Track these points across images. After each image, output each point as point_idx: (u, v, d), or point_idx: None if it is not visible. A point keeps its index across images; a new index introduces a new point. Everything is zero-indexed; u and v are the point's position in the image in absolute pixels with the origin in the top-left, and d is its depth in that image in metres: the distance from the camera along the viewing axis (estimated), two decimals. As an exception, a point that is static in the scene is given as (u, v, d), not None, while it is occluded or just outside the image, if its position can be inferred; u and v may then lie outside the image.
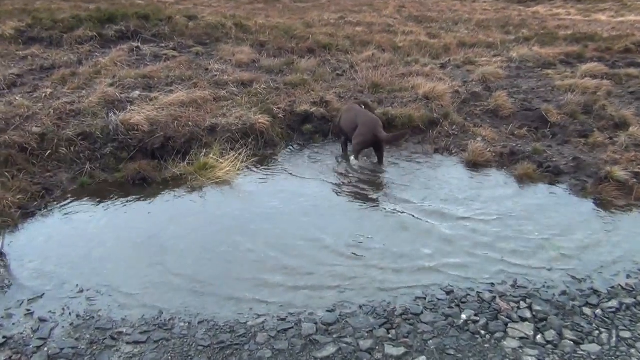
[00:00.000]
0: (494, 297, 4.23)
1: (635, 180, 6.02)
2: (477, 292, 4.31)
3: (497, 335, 3.78)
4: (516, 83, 9.89)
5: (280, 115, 7.60)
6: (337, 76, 9.99)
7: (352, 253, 4.85)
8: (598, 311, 4.06)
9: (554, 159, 6.67)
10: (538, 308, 4.09)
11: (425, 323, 3.92)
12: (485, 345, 3.67)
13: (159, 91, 7.94)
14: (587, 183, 6.13)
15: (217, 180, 6.20)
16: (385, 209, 5.71)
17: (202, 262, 4.72)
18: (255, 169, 6.64)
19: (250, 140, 7.06)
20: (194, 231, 5.25)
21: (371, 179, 6.47)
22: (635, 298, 4.23)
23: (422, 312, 4.04)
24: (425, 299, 4.23)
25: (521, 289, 4.36)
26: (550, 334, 3.77)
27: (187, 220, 5.47)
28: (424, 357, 3.54)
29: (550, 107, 8.11)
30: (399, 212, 5.61)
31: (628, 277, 4.56)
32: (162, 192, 6.02)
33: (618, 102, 8.69)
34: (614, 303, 4.15)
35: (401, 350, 3.62)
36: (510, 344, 3.68)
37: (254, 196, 5.99)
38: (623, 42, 12.84)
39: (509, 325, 3.88)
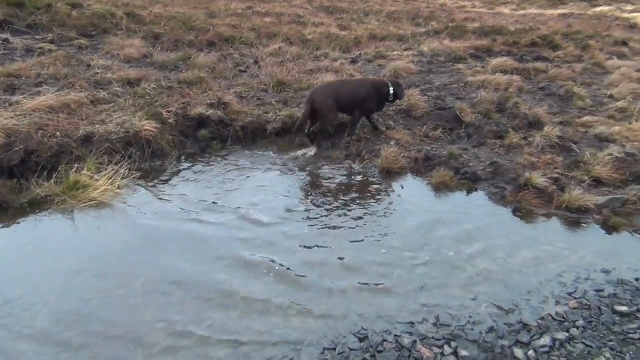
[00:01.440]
0: (415, 342, 3.60)
1: (554, 187, 5.66)
2: (395, 335, 3.67)
3: (420, 396, 3.15)
4: (429, 79, 9.47)
5: (171, 120, 6.62)
6: (239, 73, 9.09)
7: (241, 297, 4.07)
8: (530, 352, 3.54)
9: (471, 164, 6.21)
10: (465, 354, 3.51)
11: (335, 384, 3.22)
12: (407, 413, 3.03)
13: (23, 93, 6.69)
14: (507, 190, 5.71)
15: (91, 202, 5.18)
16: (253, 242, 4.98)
17: (60, 318, 3.74)
18: (139, 187, 5.65)
19: (134, 151, 6.06)
20: (53, 274, 4.23)
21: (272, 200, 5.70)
22: (567, 332, 3.76)
23: (329, 369, 3.34)
24: (334, 349, 3.53)
25: (445, 328, 3.77)
26: (481, 389, 3.20)
27: (44, 259, 4.44)
28: None
29: (464, 105, 7.70)
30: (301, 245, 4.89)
31: (557, 303, 4.10)
32: (19, 221, 4.92)
33: (530, 99, 8.45)
34: (546, 340, 3.65)
35: None
36: (436, 408, 3.06)
37: (133, 221, 5.02)
38: (529, 36, 12.87)
39: (432, 380, 3.27)
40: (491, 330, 3.76)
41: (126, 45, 9.67)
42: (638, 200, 5.48)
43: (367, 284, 4.21)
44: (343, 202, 5.52)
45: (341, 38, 12.67)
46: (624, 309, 4.01)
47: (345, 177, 6.09)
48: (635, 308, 4.03)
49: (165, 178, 5.90)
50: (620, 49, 12.91)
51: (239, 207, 5.28)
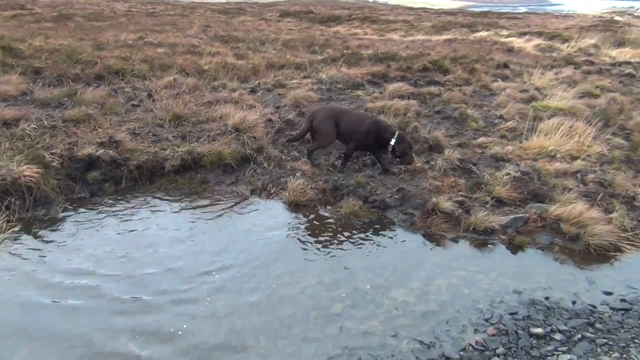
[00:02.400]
0: (339, 393, 3.37)
1: (460, 210, 5.73)
2: (318, 387, 3.41)
3: None
4: (328, 106, 9.43)
5: (55, 163, 6.00)
6: (132, 107, 8.54)
7: None
8: (456, 389, 3.43)
9: (379, 192, 6.16)
10: (391, 398, 3.32)
11: None
12: None
13: None
14: (415, 216, 5.70)
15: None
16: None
17: None
18: (19, 241, 5.01)
19: (12, 200, 5.39)
20: None
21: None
22: (489, 360, 3.70)
23: None
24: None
25: (368, 373, 3.58)
26: None
27: None
28: None
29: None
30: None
31: (475, 331, 4.05)
32: None
33: (428, 123, 8.66)
34: (470, 373, 3.56)
35: None
36: None
37: (9, 288, 4.40)
38: (421, 61, 13.36)
39: None
40: (415, 369, 3.61)
41: (1, 82, 8.79)
42: (538, 218, 5.67)
43: (290, 335, 3.93)
44: (245, 255, 5.22)
45: (238, 67, 12.44)
46: (539, 330, 4.03)
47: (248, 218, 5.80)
48: (549, 329, 4.07)
49: (50, 230, 5.28)
50: (502, 72, 13.75)
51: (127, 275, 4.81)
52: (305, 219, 5.75)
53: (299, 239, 5.33)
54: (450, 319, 4.18)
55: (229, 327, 3.96)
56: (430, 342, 3.90)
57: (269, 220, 5.65)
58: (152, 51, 13.89)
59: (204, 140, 7.04)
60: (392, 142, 6.54)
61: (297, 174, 6.52)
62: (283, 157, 6.99)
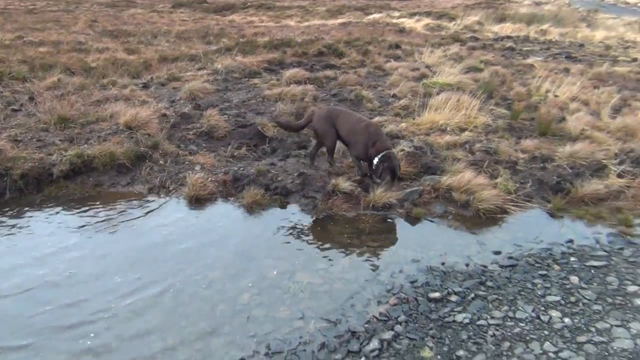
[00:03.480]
0: (249, 381, 3.39)
1: (360, 189, 5.90)
2: (227, 378, 3.40)
3: None
4: (226, 97, 9.33)
5: None
6: (12, 112, 7.96)
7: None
8: (362, 360, 3.56)
9: (280, 179, 6.19)
10: (300, 378, 3.39)
11: None
12: None
13: None
14: (317, 199, 5.79)
15: None
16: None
17: None
18: None
19: None
20: None
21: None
22: (392, 329, 3.86)
23: None
24: (162, 412, 3.15)
25: (276, 356, 3.62)
26: (321, 414, 3.09)
27: None
28: None
29: (264, 120, 7.71)
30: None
31: (379, 303, 4.21)
32: None
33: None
34: (374, 344, 3.70)
35: None
36: None
37: None
38: (315, 46, 13.50)
39: (273, 418, 3.08)
40: (322, 346, 3.70)
41: None
42: (432, 189, 5.96)
43: (197, 331, 3.88)
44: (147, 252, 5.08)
45: (129, 63, 11.93)
46: (436, 295, 4.27)
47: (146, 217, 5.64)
48: (445, 292, 4.31)
49: None
50: (394, 52, 14.22)
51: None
52: (207, 213, 5.67)
53: (202, 233, 5.25)
54: (354, 295, 4.32)
55: (134, 331, 3.84)
56: (337, 320, 4.01)
57: (168, 218, 5.52)
58: (33, 51, 12.99)
59: (94, 142, 6.71)
60: (376, 159, 5.86)
61: (196, 168, 6.40)
62: (180, 152, 6.82)
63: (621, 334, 3.77)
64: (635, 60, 15.07)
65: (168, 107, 8.32)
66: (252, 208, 5.70)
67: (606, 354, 3.57)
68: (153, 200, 5.87)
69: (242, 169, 6.43)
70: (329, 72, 11.21)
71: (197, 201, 5.83)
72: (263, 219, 5.57)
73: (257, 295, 4.30)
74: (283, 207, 5.80)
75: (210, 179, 6.11)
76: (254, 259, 4.83)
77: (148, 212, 5.62)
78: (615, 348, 3.62)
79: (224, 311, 4.10)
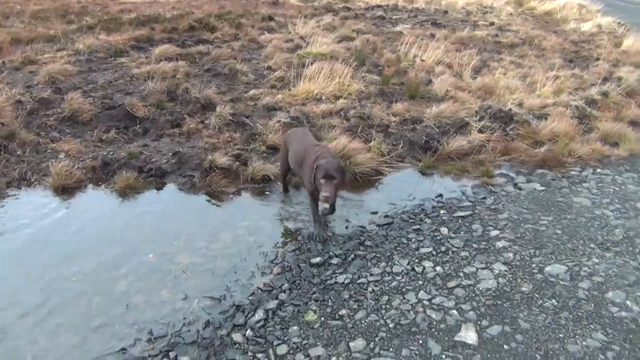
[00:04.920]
0: (130, 369, 3.26)
1: (238, 163, 5.82)
2: (107, 371, 3.25)
3: None
4: (91, 78, 8.72)
5: None
6: None
7: None
8: (248, 332, 3.56)
9: (154, 160, 5.95)
10: (185, 359, 3.32)
11: None
12: None
13: None
14: (195, 178, 5.64)
15: None
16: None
17: None
18: None
19: None
20: None
21: None
22: (277, 298, 3.90)
23: None
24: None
25: (160, 340, 3.52)
26: (208, 391, 3.06)
27: None
28: None
29: (134, 100, 7.31)
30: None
31: (263, 274, 4.23)
32: None
33: (199, 83, 8.51)
34: (260, 314, 3.72)
35: None
36: None
37: None
38: (186, 20, 12.98)
39: (157, 403, 2.99)
40: (207, 324, 3.65)
41: None
42: (309, 158, 6.02)
43: (73, 327, 3.64)
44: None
45: (-25, 47, 10.74)
46: (318, 260, 4.36)
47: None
48: (327, 256, 4.42)
49: None
50: (268, 24, 14.05)
51: None
52: (77, 202, 5.30)
53: (71, 224, 4.91)
54: (238, 269, 4.29)
55: (1, 336, 3.54)
56: (221, 296, 3.96)
57: (32, 212, 5.09)
58: None
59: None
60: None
61: (60, 156, 5.95)
62: (41, 140, 6.29)
63: (486, 275, 4.10)
64: (492, 24, 16.17)
65: (24, 92, 7.60)
66: (126, 193, 5.42)
67: (473, 295, 3.86)
68: (13, 195, 5.38)
69: (112, 153, 6.08)
70: (201, 47, 10.83)
71: (65, 191, 5.44)
72: (138, 203, 5.32)
73: (136, 281, 4.12)
74: (160, 188, 5.58)
75: (77, 166, 5.72)
76: (130, 245, 4.61)
77: (5, 207, 5.14)
78: (481, 289, 3.93)
79: (100, 303, 3.89)
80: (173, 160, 5.92)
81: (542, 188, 5.66)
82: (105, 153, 6.04)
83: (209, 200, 5.38)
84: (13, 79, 8.58)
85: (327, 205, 4.70)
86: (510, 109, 7.47)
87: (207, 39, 11.92)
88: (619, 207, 5.18)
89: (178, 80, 8.45)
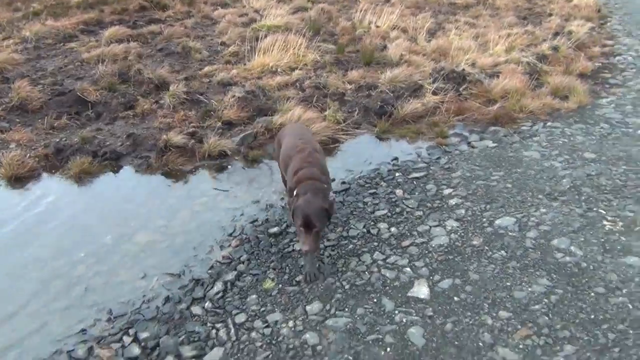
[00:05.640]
0: (91, 349, 3.29)
1: (193, 140, 5.80)
2: (68, 352, 3.28)
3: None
4: (40, 65, 8.50)
5: None
6: None
7: None
8: (207, 304, 3.61)
9: (108, 143, 5.89)
10: (145, 334, 3.38)
11: None
12: None
13: None
14: (151, 158, 5.61)
15: None
16: None
17: None
18: None
19: None
20: None
21: None
22: (235, 269, 3.95)
23: None
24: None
25: (120, 319, 3.55)
26: (169, 364, 3.12)
27: None
28: None
29: (85, 84, 7.17)
30: None
31: (221, 248, 4.27)
32: None
33: (151, 63, 8.39)
34: (218, 286, 3.77)
35: None
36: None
37: None
38: (136, 0, 12.66)
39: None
40: (167, 300, 3.69)
41: None
42: (265, 130, 6.04)
43: (31, 313, 3.64)
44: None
45: None
46: (275, 229, 4.41)
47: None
48: (284, 226, 4.47)
49: None
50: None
51: None
52: (31, 191, 5.23)
53: (26, 213, 4.85)
54: (197, 245, 4.32)
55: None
56: (180, 272, 4.00)
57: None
58: None
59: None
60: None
61: (10, 146, 5.83)
62: (-11, 131, 6.16)
63: (439, 232, 4.21)
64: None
65: (-31, 84, 7.39)
66: (81, 178, 5.37)
67: (427, 252, 3.98)
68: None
69: (64, 139, 5.99)
70: (153, 27, 10.62)
71: (18, 180, 5.36)
72: (94, 187, 5.29)
73: (94, 264, 4.13)
74: (115, 171, 5.54)
75: (28, 155, 5.63)
76: (88, 229, 4.59)
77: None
78: (433, 245, 4.04)
79: (58, 287, 3.89)
80: (128, 143, 5.87)
81: (494, 145, 5.79)
82: (57, 140, 5.95)
83: (166, 180, 5.37)
84: (-42, 71, 8.30)
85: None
86: (463, 70, 7.57)
87: (159, 18, 11.69)
88: (567, 157, 5.34)
89: (130, 61, 8.30)
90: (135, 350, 3.26)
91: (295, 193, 3.72)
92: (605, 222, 4.14)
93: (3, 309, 3.67)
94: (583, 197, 4.55)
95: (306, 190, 3.67)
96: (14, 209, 4.93)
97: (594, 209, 4.33)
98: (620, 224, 4.09)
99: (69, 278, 3.99)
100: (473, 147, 5.80)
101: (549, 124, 6.31)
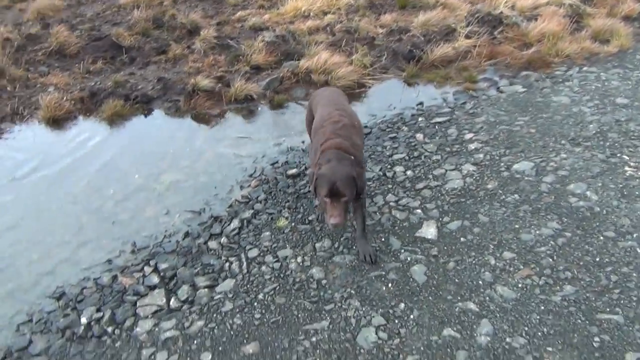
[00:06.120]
0: (115, 277, 3.54)
1: (220, 84, 5.90)
2: (94, 279, 3.54)
3: (127, 323, 3.14)
4: (79, 12, 8.73)
5: None
6: None
7: None
8: (223, 239, 3.79)
9: (140, 87, 6.07)
10: (164, 266, 3.59)
11: (37, 355, 3.01)
12: (117, 345, 3.00)
13: None
14: (180, 102, 5.77)
15: None
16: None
17: None
18: None
19: None
20: None
21: None
22: (252, 208, 4.10)
23: (30, 343, 3.09)
24: (31, 321, 3.27)
25: (142, 251, 3.78)
26: (184, 291, 3.33)
27: None
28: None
29: (120, 30, 7.36)
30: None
31: (241, 188, 4.42)
32: None
33: (185, 8, 8.45)
34: (235, 223, 3.93)
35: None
36: (143, 327, 3.10)
37: None
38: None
39: (138, 303, 3.28)
40: (186, 235, 3.89)
41: None
42: (291, 75, 6.07)
43: (63, 243, 3.93)
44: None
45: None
46: (294, 171, 4.51)
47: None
48: (303, 167, 4.57)
49: None
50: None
51: None
52: (67, 132, 5.51)
53: (62, 153, 5.13)
54: (218, 185, 4.49)
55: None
56: (201, 209, 4.18)
57: (25, 143, 5.33)
58: None
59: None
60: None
61: (49, 90, 6.11)
62: (30, 75, 6.44)
63: (454, 176, 4.22)
64: None
65: (12, 30, 7.67)
66: (114, 120, 5.61)
67: (439, 194, 4.00)
68: (7, 130, 5.60)
69: (99, 83, 6.21)
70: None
71: (55, 122, 5.64)
72: (125, 129, 5.52)
73: (122, 201, 4.37)
74: (146, 114, 5.74)
75: (65, 98, 5.88)
76: (118, 168, 4.84)
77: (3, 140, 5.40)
78: (447, 189, 4.06)
79: (89, 221, 4.15)
80: (158, 87, 6.03)
81: (524, 90, 5.64)
82: (92, 84, 6.18)
83: (193, 123, 5.53)
84: (3, 18, 8.63)
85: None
86: (500, 12, 7.29)
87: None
88: (597, 103, 5.16)
89: (165, 7, 8.40)
90: (155, 279, 3.49)
91: (317, 162, 3.23)
92: (627, 168, 4.04)
93: (40, 240, 3.97)
94: (608, 143, 4.43)
95: (330, 158, 3.16)
96: (53, 150, 5.22)
97: (618, 155, 4.22)
98: (643, 170, 3.99)
99: (98, 213, 4.25)
100: (501, 92, 5.67)
101: (584, 68, 6.07)
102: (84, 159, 5.02)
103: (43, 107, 5.67)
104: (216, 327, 3.03)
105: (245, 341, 2.91)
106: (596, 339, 2.65)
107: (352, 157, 3.22)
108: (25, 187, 4.64)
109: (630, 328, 2.68)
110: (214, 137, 5.27)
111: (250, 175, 4.58)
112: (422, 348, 2.73)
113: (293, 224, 3.87)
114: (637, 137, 4.46)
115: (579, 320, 2.76)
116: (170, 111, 5.70)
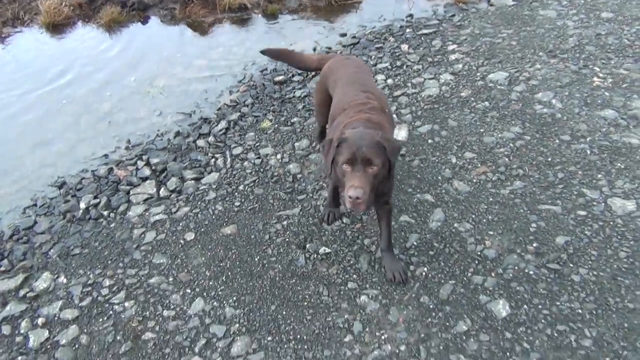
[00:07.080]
0: (111, 170, 3.88)
1: (214, -6, 6.00)
2: (92, 171, 3.89)
3: (121, 208, 3.51)
4: None
5: None
6: None
7: None
8: (211, 138, 4.08)
9: (136, -5, 6.17)
10: (156, 160, 3.91)
11: (41, 233, 3.40)
12: (111, 226, 3.38)
13: None
14: (175, 9, 5.89)
15: None
16: None
17: None
18: None
19: None
20: None
21: None
22: (239, 111, 4.36)
23: (35, 223, 3.49)
24: (35, 205, 3.65)
25: (136, 148, 4.11)
26: (173, 182, 3.67)
27: None
28: (47, 274, 3.09)
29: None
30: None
31: (230, 92, 4.68)
32: None
33: None
34: (222, 124, 4.22)
35: (19, 279, 3.08)
36: (135, 211, 3.46)
37: None
38: None
39: (131, 192, 3.63)
40: (177, 134, 4.19)
41: None
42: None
43: (64, 140, 4.26)
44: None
45: None
46: (281, 78, 4.74)
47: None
48: (290, 75, 4.78)
49: None
50: None
51: None
52: (66, 37, 5.71)
53: (61, 56, 5.36)
54: (209, 90, 4.74)
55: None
56: (191, 111, 4.47)
57: (26, 46, 5.55)
58: None
59: None
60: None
61: (46, -5, 6.23)
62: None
63: (432, 84, 4.42)
64: None
65: None
66: (111, 26, 5.78)
67: (415, 101, 4.23)
68: (7, 33, 5.80)
69: (95, -10, 6.30)
70: None
71: (55, 28, 5.82)
72: (122, 35, 5.70)
73: (118, 102, 4.66)
74: (143, 21, 5.89)
75: (64, 3, 6.01)
76: (115, 72, 5.08)
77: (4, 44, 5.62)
78: (423, 96, 4.28)
79: (87, 120, 4.47)
80: (154, -5, 6.13)
81: (514, 3, 5.69)
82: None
83: (187, 30, 5.69)
84: None
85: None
86: None
87: None
88: (582, 17, 5.24)
89: None
90: (147, 172, 3.82)
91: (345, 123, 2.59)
92: (595, 79, 4.22)
93: (43, 136, 4.31)
94: (584, 55, 4.57)
95: (355, 125, 2.50)
96: (50, 53, 5.44)
97: (590, 66, 4.39)
98: (610, 80, 4.16)
99: (96, 113, 4.55)
100: (492, 5, 5.73)
101: (580, -18, 6.06)
102: (82, 64, 5.25)
103: (43, 12, 5.82)
104: (200, 212, 3.39)
105: (224, 224, 3.27)
106: (533, 225, 2.97)
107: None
108: (23, 86, 4.92)
109: (566, 217, 3.00)
110: (207, 44, 5.45)
111: (240, 81, 4.81)
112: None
113: (276, 125, 4.14)
114: (612, 50, 4.60)
115: (522, 210, 3.08)
116: (165, 19, 5.85)
